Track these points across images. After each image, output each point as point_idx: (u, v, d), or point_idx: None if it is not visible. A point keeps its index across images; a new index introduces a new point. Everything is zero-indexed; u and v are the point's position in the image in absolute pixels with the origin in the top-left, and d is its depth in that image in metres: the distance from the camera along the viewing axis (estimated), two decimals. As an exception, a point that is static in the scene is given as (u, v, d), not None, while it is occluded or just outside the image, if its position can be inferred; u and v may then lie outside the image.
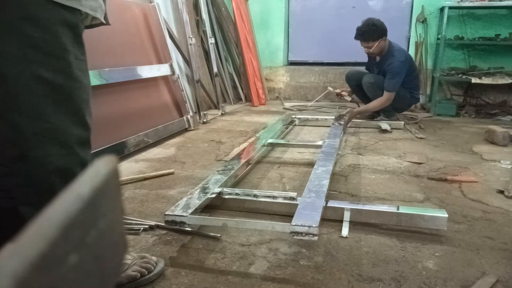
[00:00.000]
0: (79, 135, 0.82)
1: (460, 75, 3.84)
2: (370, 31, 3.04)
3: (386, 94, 3.11)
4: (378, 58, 3.28)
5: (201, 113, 3.33)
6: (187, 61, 3.38)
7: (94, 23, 0.94)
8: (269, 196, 1.49)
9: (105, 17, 0.94)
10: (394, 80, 3.08)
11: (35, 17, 0.73)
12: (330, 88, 3.83)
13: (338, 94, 3.66)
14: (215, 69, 3.84)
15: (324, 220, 1.41)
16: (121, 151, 2.25)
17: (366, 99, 3.45)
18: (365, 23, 3.07)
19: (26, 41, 0.73)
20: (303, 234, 1.15)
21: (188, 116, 3.01)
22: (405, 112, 3.80)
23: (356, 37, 3.13)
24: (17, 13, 0.72)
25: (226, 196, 1.52)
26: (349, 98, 3.54)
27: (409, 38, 4.39)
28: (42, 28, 0.74)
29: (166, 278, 1.10)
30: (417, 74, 3.34)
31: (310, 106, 4.21)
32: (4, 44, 0.72)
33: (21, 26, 0.72)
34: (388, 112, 3.29)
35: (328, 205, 1.43)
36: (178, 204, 1.37)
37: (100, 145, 2.09)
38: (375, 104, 3.15)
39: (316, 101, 4.28)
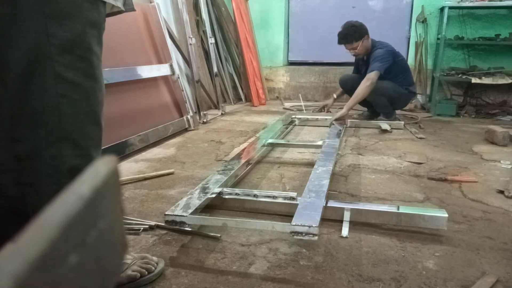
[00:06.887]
0: (94, 135, 0.82)
1: (460, 75, 3.84)
2: (351, 32, 3.05)
3: (370, 74, 2.96)
4: (365, 58, 3.26)
5: (201, 113, 3.33)
6: (187, 61, 3.38)
7: (113, 12, 0.94)
8: (269, 196, 1.49)
9: (126, 3, 0.93)
10: (377, 62, 2.99)
11: (62, 16, 0.73)
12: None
13: (323, 108, 3.62)
14: (215, 69, 3.84)
15: (324, 220, 1.41)
16: (121, 151, 2.25)
17: (367, 105, 3.45)
18: (345, 27, 3.10)
19: (52, 39, 0.73)
20: (303, 234, 1.15)
21: (188, 116, 3.01)
22: (405, 112, 3.81)
23: (340, 42, 3.13)
24: (46, 11, 0.72)
25: (226, 196, 1.52)
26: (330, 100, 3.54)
27: (409, 38, 4.40)
28: (69, 27, 0.74)
29: (166, 278, 1.10)
30: (408, 69, 3.30)
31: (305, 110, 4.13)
32: (37, 40, 0.72)
33: (47, 24, 0.72)
34: (388, 112, 3.29)
35: (328, 205, 1.43)
36: (178, 204, 1.37)
37: (100, 145, 2.09)
38: (359, 90, 2.99)
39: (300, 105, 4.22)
